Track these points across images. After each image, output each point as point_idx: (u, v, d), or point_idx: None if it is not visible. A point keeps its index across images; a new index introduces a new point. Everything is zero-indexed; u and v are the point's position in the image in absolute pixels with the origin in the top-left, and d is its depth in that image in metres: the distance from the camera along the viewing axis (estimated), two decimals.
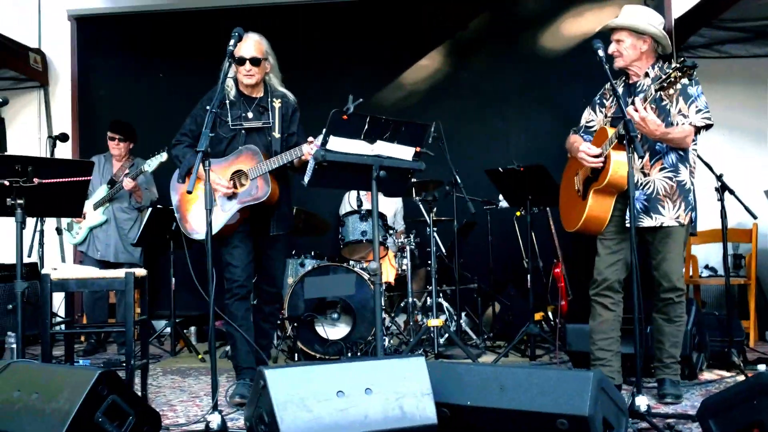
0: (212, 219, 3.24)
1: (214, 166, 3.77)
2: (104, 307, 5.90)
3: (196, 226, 4.01)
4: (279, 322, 4.86)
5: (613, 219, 3.71)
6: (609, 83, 3.72)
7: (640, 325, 3.23)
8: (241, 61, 3.96)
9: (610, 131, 3.60)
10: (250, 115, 4.07)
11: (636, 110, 3.41)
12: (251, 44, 3.99)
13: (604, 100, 3.90)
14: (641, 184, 3.67)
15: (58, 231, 6.27)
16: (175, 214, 4.13)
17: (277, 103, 4.10)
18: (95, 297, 5.76)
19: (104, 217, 5.72)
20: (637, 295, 3.20)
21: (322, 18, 6.86)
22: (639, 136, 3.38)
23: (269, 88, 4.15)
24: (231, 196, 3.93)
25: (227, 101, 4.04)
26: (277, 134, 4.07)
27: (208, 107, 3.82)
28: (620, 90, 3.74)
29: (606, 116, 3.85)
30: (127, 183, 5.52)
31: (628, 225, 3.54)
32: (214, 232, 3.50)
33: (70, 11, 7.14)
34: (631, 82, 3.78)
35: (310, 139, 3.73)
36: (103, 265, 5.55)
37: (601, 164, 3.64)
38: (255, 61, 3.99)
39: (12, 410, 2.77)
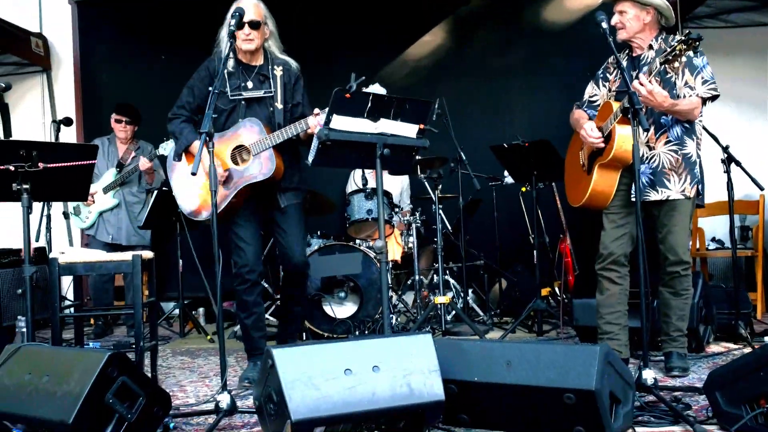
0: (215, 189, 3.19)
1: (214, 140, 3.46)
2: (110, 290, 5.93)
3: (197, 207, 3.84)
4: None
5: (618, 193, 3.70)
6: (613, 56, 3.69)
7: (647, 299, 3.23)
8: (239, 25, 3.65)
9: (615, 105, 3.57)
10: (249, 84, 3.84)
11: (642, 84, 3.39)
12: (250, 6, 3.74)
13: (608, 74, 3.87)
14: (647, 157, 3.65)
15: (65, 215, 6.30)
16: (174, 194, 3.95)
17: (278, 71, 3.86)
18: (102, 280, 5.79)
19: (115, 200, 5.75)
20: (643, 268, 3.19)
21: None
22: (644, 108, 3.36)
23: (269, 56, 3.90)
24: (233, 173, 3.75)
25: (225, 71, 3.75)
26: (279, 105, 3.85)
27: (206, 79, 3.80)
28: (624, 63, 3.70)
29: (610, 90, 3.82)
30: (144, 163, 5.58)
31: (633, 199, 3.53)
32: (217, 211, 3.41)
33: None
34: (634, 54, 3.75)
35: (316, 111, 3.61)
36: (114, 248, 5.58)
37: (603, 145, 3.63)
38: (254, 24, 3.74)
39: (23, 393, 2.80)
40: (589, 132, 3.67)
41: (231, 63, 3.79)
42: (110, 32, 7.24)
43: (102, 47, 7.26)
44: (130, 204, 5.80)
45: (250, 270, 3.83)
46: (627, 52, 3.80)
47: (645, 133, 3.62)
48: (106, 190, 5.73)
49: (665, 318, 3.78)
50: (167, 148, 5.40)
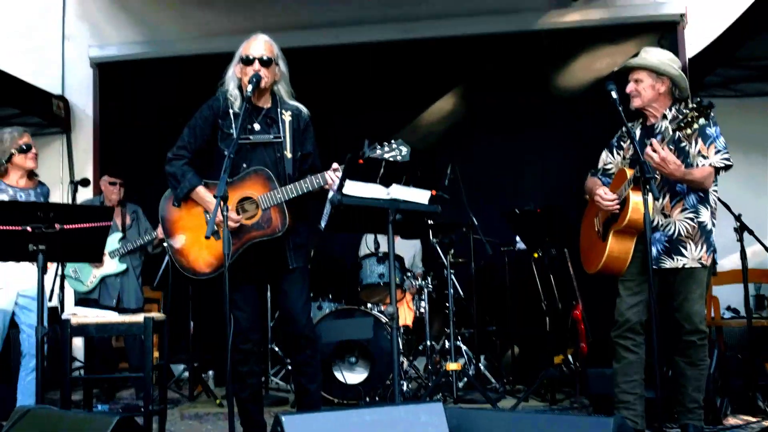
0: (213, 257, 3.15)
1: (217, 188, 3.21)
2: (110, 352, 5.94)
3: (196, 265, 3.53)
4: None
5: (634, 260, 3.68)
6: (624, 126, 3.73)
7: (661, 369, 3.18)
8: (248, 61, 3.49)
9: (629, 172, 3.59)
10: (256, 126, 3.56)
11: (655, 150, 3.41)
12: (261, 43, 3.53)
13: (622, 143, 3.89)
14: (662, 225, 3.65)
15: (61, 278, 6.28)
16: (167, 244, 3.61)
17: (287, 116, 3.60)
18: (106, 341, 5.80)
19: (124, 265, 5.73)
20: (655, 337, 3.15)
21: (340, 62, 6.96)
22: (658, 177, 3.37)
23: (278, 99, 3.64)
24: (239, 228, 3.45)
25: (230, 111, 3.54)
26: (288, 153, 3.55)
27: (210, 118, 3.55)
28: (638, 132, 3.74)
29: (624, 158, 3.84)
30: (161, 232, 5.59)
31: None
32: (217, 271, 3.35)
33: (92, 58, 7.29)
34: (648, 123, 3.78)
35: (335, 165, 3.40)
36: (120, 312, 5.54)
37: (618, 208, 3.63)
38: (264, 62, 3.50)
39: None
40: (603, 195, 3.68)
41: (237, 103, 3.53)
42: (130, 94, 7.40)
43: (121, 109, 7.40)
44: (135, 267, 5.81)
45: (243, 339, 3.52)
46: (641, 120, 3.83)
47: (660, 201, 3.62)
48: (112, 255, 5.71)
49: (681, 389, 3.71)
50: None
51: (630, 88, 3.74)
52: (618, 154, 3.90)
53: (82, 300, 5.72)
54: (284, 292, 3.61)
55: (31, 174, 4.52)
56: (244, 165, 3.51)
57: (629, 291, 3.73)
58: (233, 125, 3.48)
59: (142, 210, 5.96)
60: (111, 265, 5.71)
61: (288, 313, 3.63)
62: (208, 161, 3.59)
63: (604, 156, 3.98)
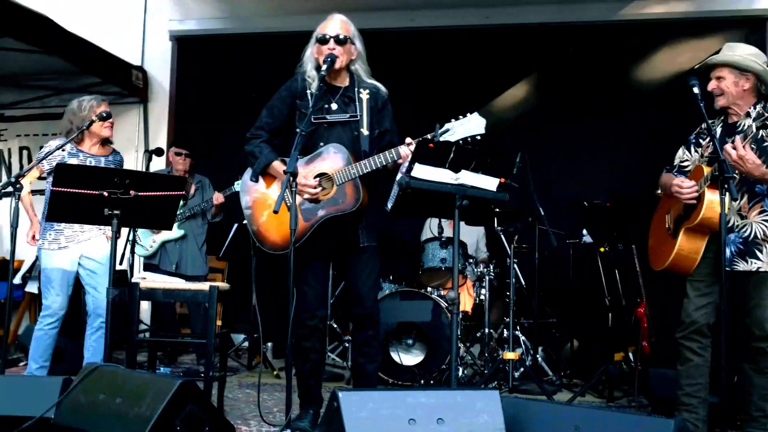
0: (287, 232, 3.13)
1: (288, 164, 3.26)
2: (173, 317, 6.12)
3: (272, 239, 3.57)
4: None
5: (705, 260, 3.57)
6: (705, 122, 3.61)
7: (727, 374, 3.09)
8: (323, 40, 3.50)
9: (706, 170, 3.48)
10: (333, 106, 3.57)
11: (734, 148, 3.30)
12: (336, 22, 3.55)
13: (701, 140, 3.76)
14: (737, 226, 3.53)
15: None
16: (246, 219, 3.65)
17: (364, 95, 3.60)
18: (171, 308, 5.97)
19: (182, 231, 5.89)
20: (725, 341, 3.07)
21: (411, 45, 6.94)
22: (736, 177, 3.26)
23: (356, 78, 3.64)
24: (314, 203, 3.48)
25: (308, 92, 3.55)
26: (365, 131, 3.55)
27: (288, 99, 3.58)
28: (718, 129, 3.62)
29: (702, 156, 3.72)
30: (218, 197, 5.75)
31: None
32: (296, 244, 3.27)
33: (171, 31, 7.48)
34: (730, 121, 3.64)
35: (408, 140, 3.39)
36: (175, 277, 5.71)
37: (695, 199, 3.51)
38: (340, 40, 3.51)
39: (96, 412, 2.89)
40: (681, 184, 3.55)
41: (315, 84, 3.51)
42: (206, 68, 7.55)
43: (197, 82, 7.56)
44: (196, 235, 5.96)
45: (310, 315, 3.57)
46: (722, 118, 3.69)
47: (737, 202, 3.50)
48: None
49: (747, 396, 3.59)
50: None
51: (712, 86, 3.60)
52: (696, 151, 3.77)
53: (147, 266, 5.94)
54: (353, 271, 3.62)
55: (105, 142, 4.66)
56: (322, 144, 3.53)
57: (698, 292, 3.63)
58: (310, 105, 3.47)
59: (210, 182, 6.10)
60: (171, 231, 5.87)
61: (356, 292, 3.63)
62: (287, 141, 3.61)
63: (681, 153, 3.86)
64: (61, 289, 4.42)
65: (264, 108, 3.68)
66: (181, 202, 5.91)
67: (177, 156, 6.00)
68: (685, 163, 3.81)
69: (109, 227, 3.86)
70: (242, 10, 7.32)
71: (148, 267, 5.95)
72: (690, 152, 3.81)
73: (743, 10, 6.30)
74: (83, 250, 4.50)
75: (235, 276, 6.55)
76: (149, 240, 5.92)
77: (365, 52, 3.66)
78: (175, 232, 5.88)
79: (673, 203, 3.70)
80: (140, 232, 5.90)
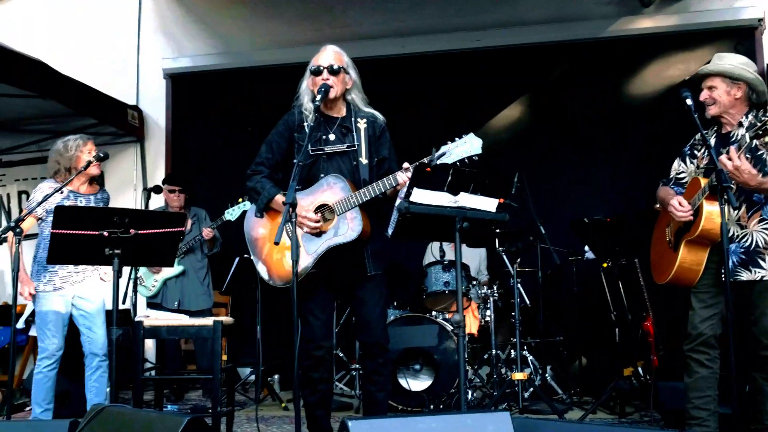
0: (296, 258, 3.14)
1: (286, 196, 3.25)
2: (178, 355, 6.09)
3: (278, 273, 3.57)
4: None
5: (708, 271, 3.57)
6: (699, 133, 3.63)
7: (738, 384, 3.07)
8: (317, 71, 3.52)
9: (703, 181, 3.49)
10: (331, 137, 3.57)
11: (729, 158, 3.31)
12: (329, 53, 3.57)
13: (695, 151, 3.78)
14: (737, 236, 3.53)
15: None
16: (252, 254, 3.68)
17: (362, 124, 3.61)
18: (172, 345, 5.95)
19: (181, 267, 5.90)
20: (734, 351, 3.05)
21: (405, 71, 6.99)
22: (734, 186, 3.27)
23: (352, 108, 3.65)
24: (317, 234, 3.48)
25: (305, 125, 3.55)
26: (364, 160, 3.56)
27: (285, 133, 3.59)
28: (712, 140, 3.63)
29: (698, 167, 3.73)
30: (208, 233, 5.79)
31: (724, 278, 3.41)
32: (298, 279, 3.23)
33: (165, 69, 7.52)
34: (723, 131, 3.66)
35: (405, 165, 3.36)
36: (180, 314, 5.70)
37: (692, 216, 3.53)
38: (333, 70, 3.52)
39: None
40: (677, 206, 3.56)
41: (311, 117, 3.52)
42: (201, 104, 7.58)
43: (193, 119, 7.61)
44: (196, 270, 5.96)
45: (316, 346, 3.52)
46: (715, 128, 3.71)
47: (736, 211, 3.51)
48: None
49: (759, 406, 3.57)
50: (234, 213, 5.56)
51: (704, 96, 3.62)
52: (691, 162, 3.79)
53: (150, 304, 5.94)
54: (361, 300, 3.59)
55: (92, 180, 4.69)
56: (322, 175, 3.54)
57: (702, 303, 3.62)
58: (307, 137, 3.47)
59: (207, 214, 6.11)
60: (171, 269, 5.88)
61: (364, 320, 3.60)
62: (288, 175, 3.54)
63: (677, 165, 3.87)
64: (57, 330, 4.40)
65: (263, 143, 3.69)
66: None
67: (171, 193, 6.03)
68: (682, 175, 3.82)
69: (104, 267, 3.86)
70: (235, 45, 7.39)
71: (152, 306, 5.93)
72: (686, 164, 3.81)
73: (731, 21, 6.34)
74: (77, 292, 4.50)
75: (239, 309, 6.53)
76: (151, 280, 5.92)
77: (360, 80, 3.67)
78: (175, 268, 5.88)
79: (672, 217, 3.71)
80: (142, 272, 5.90)
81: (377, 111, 3.75)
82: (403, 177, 3.35)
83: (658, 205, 3.92)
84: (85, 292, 4.53)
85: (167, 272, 5.90)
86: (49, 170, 4.59)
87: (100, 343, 4.47)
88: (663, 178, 3.92)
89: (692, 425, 3.57)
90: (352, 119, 3.63)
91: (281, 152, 3.64)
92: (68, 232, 3.52)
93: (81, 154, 4.51)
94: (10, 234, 4.19)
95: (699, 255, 3.56)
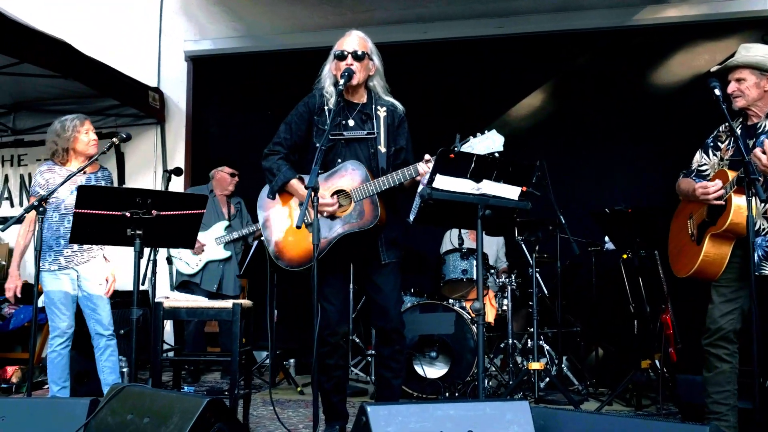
0: (306, 249, 3.15)
1: (308, 179, 3.28)
2: (203, 337, 6.14)
3: (291, 255, 3.57)
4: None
5: (730, 265, 3.52)
6: (725, 124, 3.58)
7: (759, 379, 3.04)
8: (341, 56, 3.53)
9: (731, 174, 3.44)
10: (351, 122, 3.59)
11: (764, 152, 3.25)
12: (354, 38, 3.58)
13: (719, 143, 3.72)
14: (763, 229, 3.48)
15: (168, 260, 6.55)
16: (263, 236, 3.68)
17: (382, 112, 3.62)
18: (198, 328, 5.99)
19: (228, 252, 5.98)
20: (757, 346, 3.01)
21: (427, 57, 6.96)
22: (761, 179, 3.22)
23: (373, 95, 3.67)
24: (332, 219, 3.49)
25: (326, 108, 3.58)
26: (383, 148, 3.57)
27: (305, 115, 3.60)
28: (738, 132, 3.57)
29: (722, 159, 3.67)
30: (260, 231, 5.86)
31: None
32: (310, 263, 3.28)
33: (187, 52, 7.54)
34: (750, 123, 3.60)
35: (427, 156, 3.38)
36: (216, 297, 5.75)
37: (723, 202, 3.46)
38: (357, 56, 3.53)
39: None
40: (709, 189, 3.47)
41: (332, 100, 3.55)
42: (221, 87, 7.60)
43: (213, 102, 7.63)
44: (237, 256, 6.02)
45: (332, 332, 3.55)
46: (740, 120, 3.66)
47: (763, 205, 3.46)
48: (218, 241, 5.97)
49: None
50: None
51: (732, 88, 3.57)
52: (714, 155, 3.73)
53: (184, 283, 6.00)
54: (377, 287, 3.60)
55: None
56: (339, 160, 3.55)
57: (723, 297, 3.58)
58: (328, 121, 3.49)
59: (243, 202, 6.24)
60: (217, 251, 5.98)
61: (381, 307, 3.60)
62: (305, 157, 3.65)
63: (698, 157, 3.81)
64: (66, 309, 4.43)
65: (282, 123, 3.69)
66: (226, 223, 6.00)
67: (231, 176, 6.11)
68: (704, 167, 3.77)
69: (108, 248, 3.86)
70: (257, 29, 7.37)
71: (186, 284, 6.00)
72: (708, 156, 3.76)
73: (758, 11, 6.25)
74: (81, 272, 4.52)
75: (256, 293, 6.56)
76: (195, 258, 5.97)
77: (383, 68, 3.67)
78: (222, 252, 5.98)
79: (695, 208, 3.66)
80: (185, 250, 5.97)
81: (399, 97, 3.76)
82: (423, 168, 3.37)
83: (681, 197, 3.87)
84: (89, 272, 4.53)
85: (213, 254, 5.98)
86: (48, 151, 4.58)
87: (106, 323, 4.52)
88: (683, 170, 3.87)
89: (711, 420, 3.54)
90: (373, 106, 3.63)
91: (300, 134, 3.65)
92: (91, 212, 3.53)
93: (78, 134, 4.51)
94: (32, 213, 4.21)
95: (723, 249, 3.52)
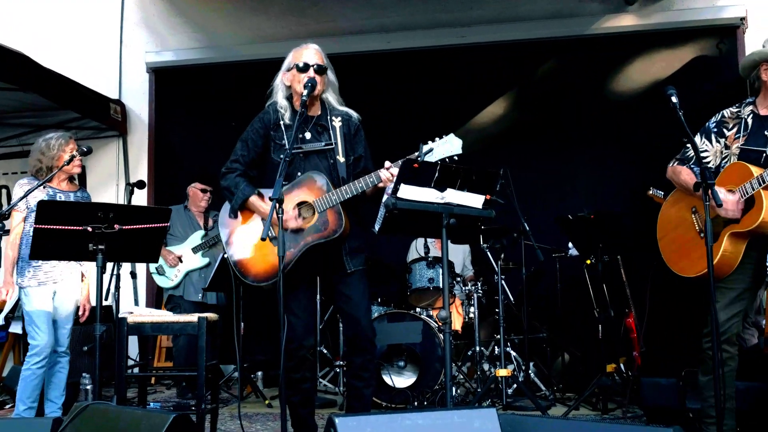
0: (271, 265, 3.13)
1: (273, 191, 3.26)
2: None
3: (254, 271, 3.53)
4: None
5: (741, 267, 3.38)
6: (732, 108, 3.49)
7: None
8: (304, 68, 3.52)
9: (755, 169, 3.28)
10: (307, 135, 3.58)
11: None
12: (313, 52, 3.58)
13: (724, 129, 3.56)
14: None
15: (132, 275, 6.47)
16: (227, 254, 3.61)
17: (337, 122, 3.62)
18: (190, 341, 5.94)
19: (206, 259, 5.95)
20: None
21: (390, 67, 6.99)
22: None
23: (327, 106, 3.67)
24: (297, 232, 3.46)
25: (281, 123, 3.58)
26: (341, 158, 3.57)
27: (261, 130, 3.59)
28: (750, 121, 3.47)
29: (727, 147, 3.51)
30: None
31: None
32: (275, 279, 3.31)
33: (148, 64, 7.47)
34: (763, 113, 3.46)
35: (387, 164, 3.38)
36: (203, 307, 5.72)
37: (742, 207, 3.31)
38: (319, 70, 3.54)
39: None
40: (730, 205, 3.31)
41: (287, 114, 3.58)
42: (184, 98, 7.54)
43: (176, 113, 7.56)
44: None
45: (298, 346, 3.49)
46: (751, 110, 3.52)
47: None
48: (195, 250, 5.93)
49: None
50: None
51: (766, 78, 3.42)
52: (718, 141, 3.54)
53: (170, 298, 6.00)
54: (345, 296, 3.59)
55: (71, 178, 4.70)
56: (299, 174, 3.54)
57: (728, 299, 3.43)
58: (285, 136, 3.52)
59: None
60: (195, 260, 5.97)
61: (351, 316, 3.59)
62: (262, 173, 3.64)
63: (699, 142, 3.58)
64: (47, 326, 4.39)
65: (238, 141, 3.68)
66: (202, 233, 6.03)
67: (202, 193, 6.08)
68: (705, 154, 3.57)
69: (87, 264, 3.81)
70: (219, 40, 7.33)
71: (172, 299, 5.97)
72: (711, 142, 3.59)
73: (714, 19, 6.39)
74: (58, 288, 4.53)
75: (221, 306, 6.49)
76: (173, 271, 5.92)
77: (336, 81, 3.69)
78: (200, 261, 5.96)
79: (699, 202, 3.39)
80: (161, 263, 5.94)
81: (362, 106, 3.78)
82: (386, 174, 3.37)
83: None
84: (65, 288, 4.54)
85: (190, 264, 5.96)
86: (31, 168, 4.58)
87: (64, 340, 4.58)
88: (676, 156, 3.67)
89: (708, 424, 3.45)
90: (328, 117, 3.64)
91: (257, 150, 3.63)
92: (51, 227, 3.47)
93: (63, 153, 4.52)
94: (20, 225, 4.29)
95: (739, 246, 3.36)
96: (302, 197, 3.50)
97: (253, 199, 3.55)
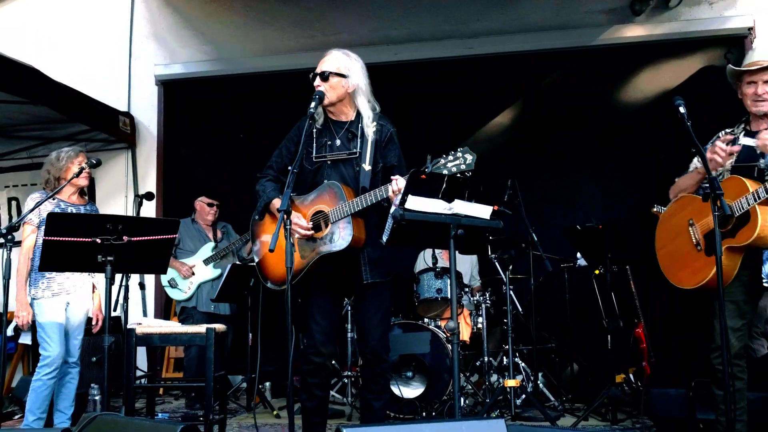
0: (291, 266, 3.15)
1: (297, 204, 3.52)
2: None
3: (272, 275, 3.61)
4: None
5: (737, 281, 3.38)
6: (726, 129, 3.50)
7: None
8: (312, 78, 3.54)
9: (750, 184, 3.28)
10: (337, 142, 3.58)
11: None
12: (326, 58, 3.58)
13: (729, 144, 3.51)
14: None
15: (141, 286, 6.49)
16: (253, 253, 3.74)
17: (369, 129, 3.57)
18: (199, 353, 5.96)
19: (218, 271, 5.98)
20: None
21: (398, 79, 7.01)
22: None
23: (361, 112, 3.62)
24: (312, 240, 3.48)
25: (314, 130, 3.60)
26: (367, 166, 3.51)
27: (295, 137, 3.58)
28: (747, 140, 3.46)
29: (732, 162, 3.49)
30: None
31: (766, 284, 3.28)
32: (292, 281, 3.30)
33: (157, 76, 7.51)
34: (753, 129, 3.48)
35: (394, 178, 3.37)
36: (215, 318, 5.74)
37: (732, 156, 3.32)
38: (324, 77, 3.52)
39: None
40: (724, 147, 3.33)
41: (320, 121, 3.60)
42: (193, 111, 7.57)
43: (184, 125, 7.59)
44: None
45: (315, 352, 3.52)
46: (743, 125, 3.54)
47: None
48: (206, 262, 5.98)
49: None
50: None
51: (762, 90, 3.44)
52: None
53: (183, 309, 6.04)
54: (360, 309, 3.63)
55: (81, 191, 4.77)
56: (325, 181, 3.56)
57: (731, 314, 3.38)
58: (314, 143, 3.57)
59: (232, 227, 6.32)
60: (206, 272, 6.02)
61: (361, 330, 3.62)
62: (299, 178, 3.56)
63: (697, 161, 3.62)
64: (59, 338, 4.43)
65: (277, 147, 3.74)
66: (212, 245, 6.08)
67: (209, 207, 6.14)
68: None
69: (99, 275, 3.83)
70: (227, 52, 7.38)
71: (185, 311, 6.02)
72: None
73: (721, 30, 6.39)
74: (71, 299, 4.58)
75: (230, 317, 6.50)
76: (186, 283, 5.97)
77: (368, 85, 3.64)
78: (212, 272, 6.01)
79: (694, 214, 3.46)
80: (174, 276, 5.99)
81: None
82: (394, 187, 3.35)
83: (655, 209, 3.83)
84: (78, 299, 4.59)
85: (204, 275, 6.00)
86: (41, 179, 4.69)
87: (75, 351, 4.62)
88: (677, 177, 3.72)
89: None
90: (360, 124, 3.61)
91: (290, 156, 3.66)
92: (61, 239, 3.50)
93: (71, 165, 4.60)
94: (31, 240, 4.38)
95: (735, 259, 3.36)
96: (320, 206, 3.52)
97: (276, 202, 3.57)
